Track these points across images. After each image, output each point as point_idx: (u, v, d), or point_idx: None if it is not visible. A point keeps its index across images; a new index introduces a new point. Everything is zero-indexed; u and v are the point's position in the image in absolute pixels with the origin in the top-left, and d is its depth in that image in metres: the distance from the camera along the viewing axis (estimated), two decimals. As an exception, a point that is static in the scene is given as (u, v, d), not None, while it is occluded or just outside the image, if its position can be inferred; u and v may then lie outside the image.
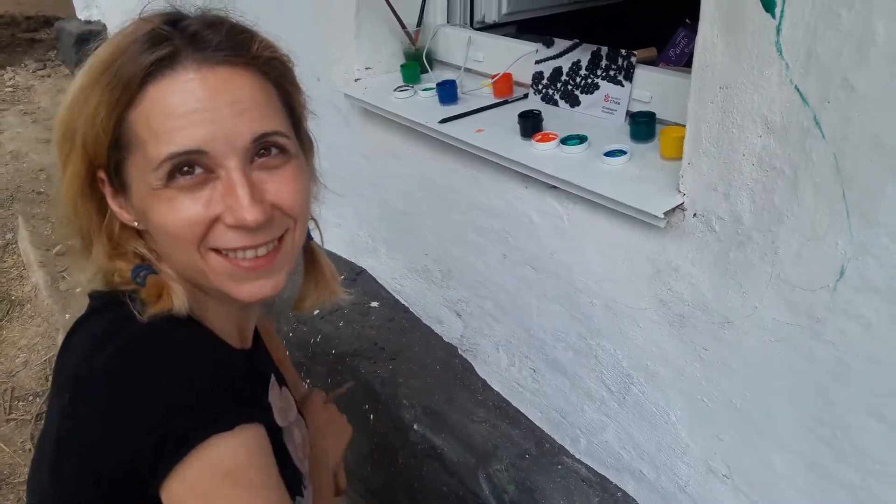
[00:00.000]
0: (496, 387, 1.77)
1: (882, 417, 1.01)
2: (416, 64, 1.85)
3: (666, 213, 1.17)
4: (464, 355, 1.86)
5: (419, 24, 1.88)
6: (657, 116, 1.38)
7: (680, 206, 1.18)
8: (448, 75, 1.82)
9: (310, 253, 1.05)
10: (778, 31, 0.96)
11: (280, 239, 0.85)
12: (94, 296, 0.88)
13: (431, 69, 1.87)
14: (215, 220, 0.79)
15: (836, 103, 0.93)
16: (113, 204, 0.84)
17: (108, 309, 0.83)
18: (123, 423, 0.72)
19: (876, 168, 0.90)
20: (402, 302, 2.07)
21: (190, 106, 0.76)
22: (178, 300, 0.80)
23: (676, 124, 1.36)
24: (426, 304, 1.98)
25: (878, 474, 1.05)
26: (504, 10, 2.00)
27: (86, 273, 0.87)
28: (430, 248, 1.87)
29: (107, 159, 0.80)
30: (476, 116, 1.62)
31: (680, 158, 1.25)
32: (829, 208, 0.98)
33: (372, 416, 1.82)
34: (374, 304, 2.09)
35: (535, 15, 2.13)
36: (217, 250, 0.81)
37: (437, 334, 1.95)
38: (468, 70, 1.82)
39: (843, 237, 0.97)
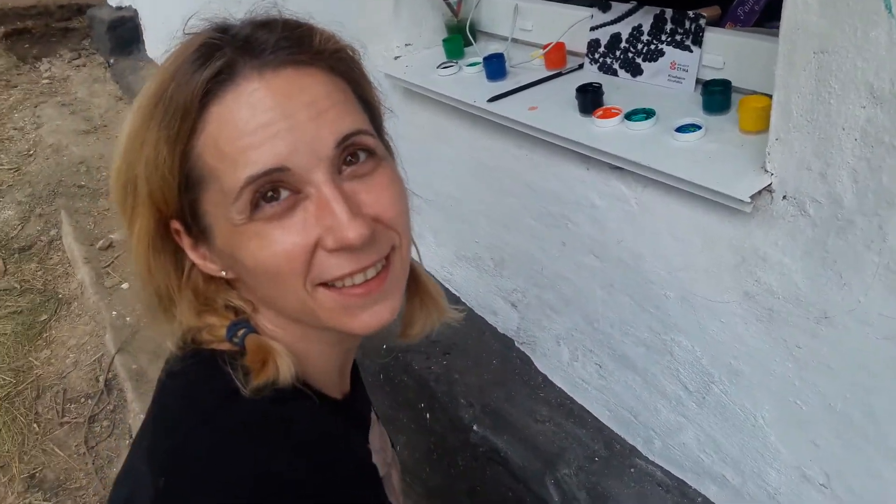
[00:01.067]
0: (558, 382, 1.66)
1: None
2: (459, 37, 1.73)
3: (752, 197, 1.04)
4: (521, 348, 1.76)
5: (461, -7, 1.75)
6: (732, 85, 1.24)
7: (767, 188, 1.05)
8: (494, 48, 1.69)
9: (410, 271, 0.91)
10: (888, -17, 0.82)
11: (387, 258, 0.74)
12: (177, 358, 0.77)
13: (476, 42, 1.75)
14: (315, 248, 0.68)
15: (962, 67, 0.79)
16: (194, 256, 0.74)
17: (206, 373, 0.73)
18: None
19: None
20: (453, 291, 1.97)
21: (261, 119, 0.66)
22: (285, 366, 0.71)
23: (755, 93, 1.22)
24: (478, 294, 1.87)
25: None
26: (551, -26, 1.85)
27: (168, 336, 0.77)
28: (481, 234, 1.76)
29: (179, 204, 0.70)
30: (528, 92, 1.50)
31: (762, 132, 1.11)
32: (950, 188, 0.84)
33: (428, 415, 1.74)
34: (457, 314, 2.00)
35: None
36: (325, 284, 0.70)
37: (491, 326, 1.85)
38: (516, 41, 1.69)
39: (968, 221, 0.84)
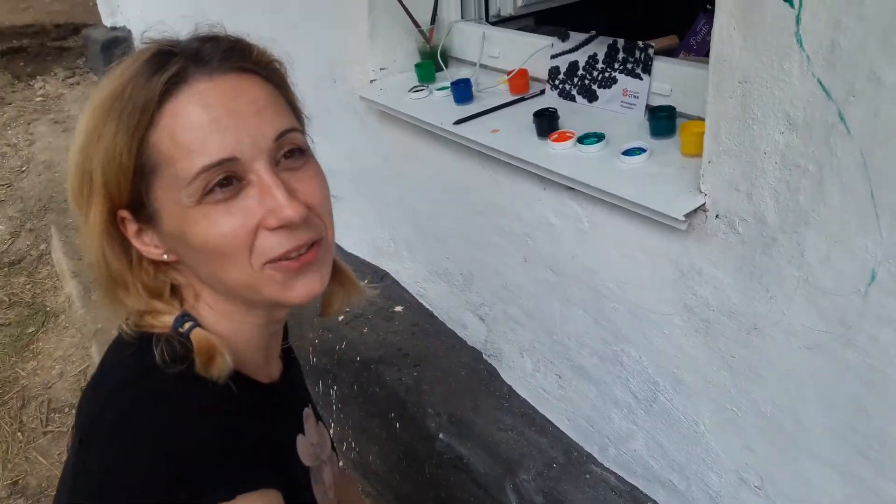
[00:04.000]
0: (522, 393, 1.73)
1: (923, 429, 0.95)
2: (430, 63, 1.81)
3: (687, 215, 1.12)
4: (488, 360, 1.82)
5: (433, 21, 1.83)
6: (678, 111, 1.32)
7: (702, 207, 1.12)
8: (464, 73, 1.77)
9: None
10: (797, 21, 0.90)
11: (316, 241, 0.84)
12: (123, 336, 0.85)
13: (447, 67, 1.83)
14: (257, 228, 0.77)
15: (861, 97, 0.86)
16: (137, 242, 0.82)
17: (134, 353, 0.81)
18: (123, 489, 0.70)
19: (907, 166, 0.84)
20: (426, 306, 2.04)
21: (213, 113, 0.76)
22: (225, 364, 0.79)
23: (699, 118, 1.30)
24: (449, 309, 1.94)
25: (921, 488, 0.99)
26: (520, 3, 1.94)
27: (120, 315, 0.85)
28: (451, 250, 1.83)
29: (130, 193, 0.79)
30: (491, 115, 1.57)
31: (700, 155, 1.19)
32: (856, 208, 0.92)
33: (398, 425, 1.80)
34: (398, 308, 2.07)
35: (553, 5, 2.06)
36: (271, 262, 0.79)
37: (461, 339, 1.91)
38: (484, 67, 1.78)
39: (873, 239, 0.91)
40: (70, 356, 2.70)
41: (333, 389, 2.08)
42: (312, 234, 0.82)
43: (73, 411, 2.44)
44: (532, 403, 1.70)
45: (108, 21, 4.64)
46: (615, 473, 1.50)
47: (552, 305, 1.52)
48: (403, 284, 2.13)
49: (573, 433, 1.60)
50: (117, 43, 4.51)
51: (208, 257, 0.79)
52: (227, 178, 0.76)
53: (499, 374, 1.79)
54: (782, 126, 0.97)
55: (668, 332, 1.26)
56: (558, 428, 1.62)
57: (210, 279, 0.83)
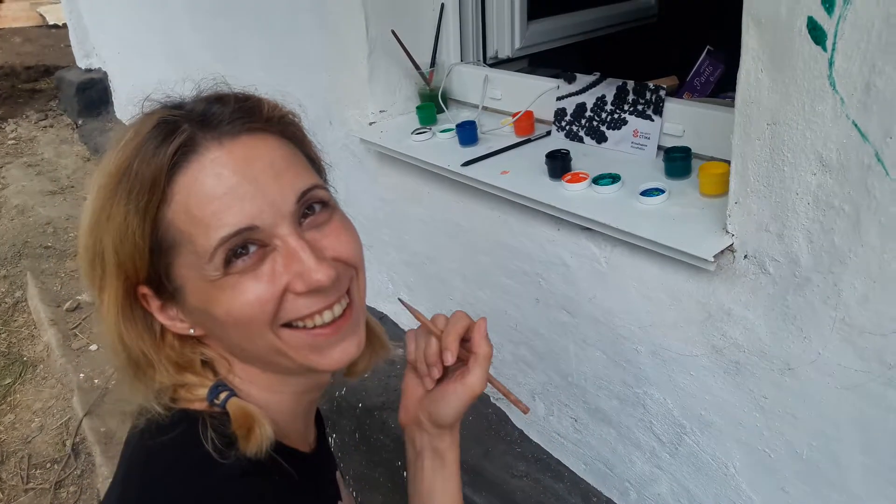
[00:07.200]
0: (534, 437, 1.69)
1: (970, 469, 0.94)
2: (432, 105, 1.80)
3: (715, 256, 1.11)
4: (497, 404, 1.79)
5: (433, 64, 1.83)
6: (692, 151, 1.33)
7: (729, 248, 1.12)
8: (465, 115, 1.77)
9: None
10: (830, 64, 0.91)
11: (348, 292, 0.80)
12: (171, 415, 0.78)
13: (447, 109, 1.83)
14: (284, 293, 0.73)
15: (900, 138, 0.87)
16: (162, 318, 0.78)
17: (179, 437, 0.75)
18: None
19: (952, 207, 0.84)
20: (428, 348, 2.00)
21: (228, 183, 0.71)
22: (265, 435, 0.74)
23: (713, 159, 1.31)
24: (454, 351, 1.91)
25: (968, 529, 0.98)
26: (517, 45, 1.96)
27: (144, 397, 0.79)
28: (455, 292, 1.81)
29: (148, 270, 0.74)
30: (499, 157, 1.57)
31: (721, 195, 1.19)
32: (896, 248, 0.92)
33: (405, 473, 1.75)
34: (400, 351, 2.03)
35: (548, 48, 2.08)
36: (289, 325, 0.75)
37: (467, 382, 1.88)
38: (486, 109, 1.77)
39: (915, 277, 0.91)
40: (50, 408, 2.60)
41: (333, 438, 2.03)
42: (342, 290, 0.79)
43: (55, 466, 2.34)
44: (546, 448, 1.66)
45: (82, 63, 4.60)
46: (637, 518, 1.47)
47: (567, 347, 1.50)
48: (403, 327, 2.10)
49: (591, 478, 1.57)
50: (92, 84, 4.47)
51: (233, 328, 0.75)
52: (244, 246, 0.72)
53: (509, 419, 1.75)
54: (815, 167, 0.97)
55: (696, 373, 1.24)
56: (575, 473, 1.59)
57: (239, 351, 0.79)
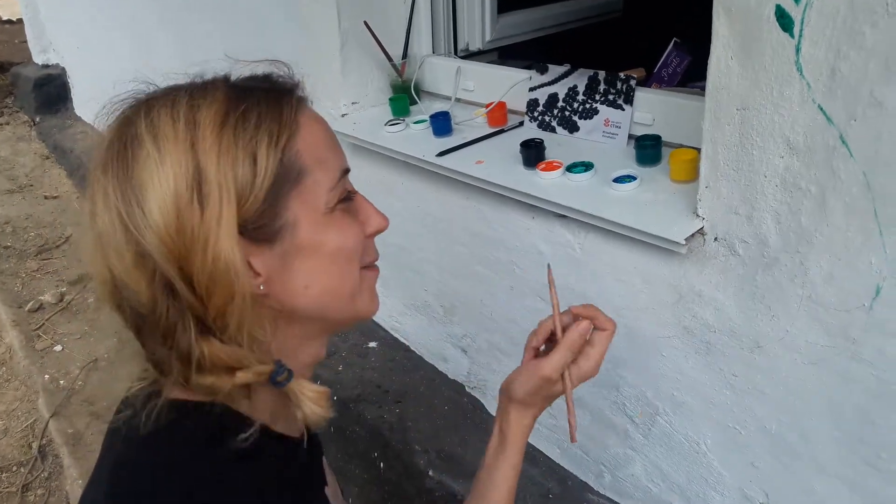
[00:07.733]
0: (510, 423, 1.71)
1: (931, 437, 0.99)
2: (405, 97, 1.82)
3: (687, 239, 1.14)
4: (472, 393, 1.81)
5: (405, 55, 1.85)
6: (662, 139, 1.36)
7: (700, 231, 1.15)
8: (438, 106, 1.79)
9: None
10: (797, 50, 0.94)
11: None
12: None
13: (420, 101, 1.84)
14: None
15: (863, 121, 0.91)
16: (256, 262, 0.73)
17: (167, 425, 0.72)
18: None
19: (913, 184, 0.89)
20: (402, 340, 2.02)
21: (329, 132, 0.80)
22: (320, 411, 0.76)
23: (682, 146, 1.34)
24: (428, 342, 1.92)
25: (929, 495, 1.02)
26: (488, 38, 1.98)
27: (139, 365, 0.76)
28: (430, 282, 1.82)
29: (253, 211, 0.70)
30: (473, 147, 1.59)
31: (691, 181, 1.23)
32: (860, 227, 0.96)
33: (382, 464, 1.76)
34: (373, 344, 2.04)
35: (517, 40, 2.11)
36: (366, 267, 0.82)
37: (441, 372, 1.90)
38: (459, 100, 1.79)
39: (877, 255, 0.95)
40: (14, 410, 2.54)
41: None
42: None
43: (21, 469, 2.30)
44: (521, 434, 1.69)
45: (39, 58, 4.50)
46: (612, 500, 1.50)
47: (542, 334, 1.52)
48: (376, 319, 2.10)
49: (566, 462, 1.60)
50: (50, 80, 4.38)
51: (337, 263, 0.76)
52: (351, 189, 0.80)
53: (484, 407, 1.78)
54: (782, 150, 1.01)
55: (667, 354, 1.28)
56: (550, 458, 1.62)
57: (305, 303, 0.75)
